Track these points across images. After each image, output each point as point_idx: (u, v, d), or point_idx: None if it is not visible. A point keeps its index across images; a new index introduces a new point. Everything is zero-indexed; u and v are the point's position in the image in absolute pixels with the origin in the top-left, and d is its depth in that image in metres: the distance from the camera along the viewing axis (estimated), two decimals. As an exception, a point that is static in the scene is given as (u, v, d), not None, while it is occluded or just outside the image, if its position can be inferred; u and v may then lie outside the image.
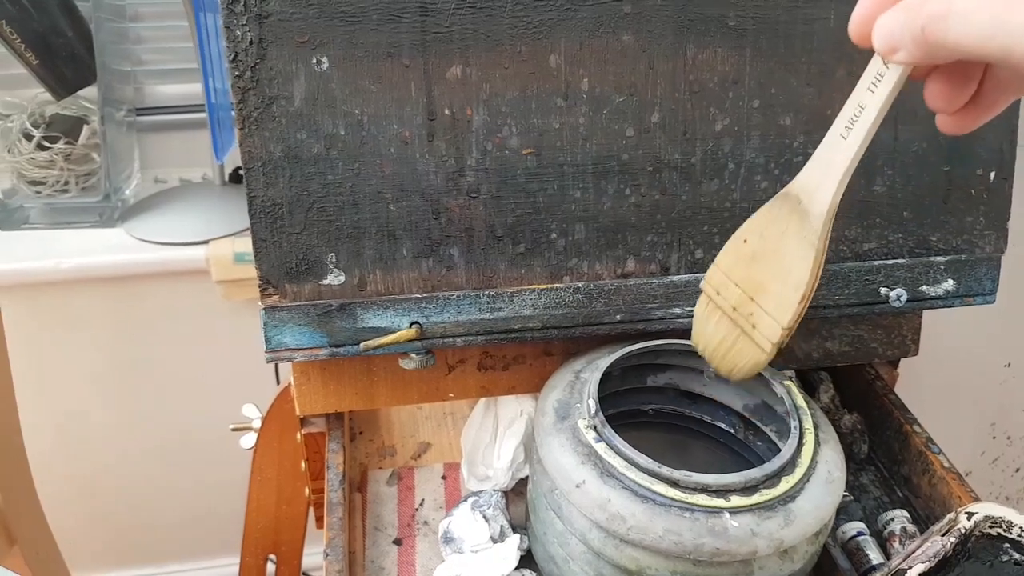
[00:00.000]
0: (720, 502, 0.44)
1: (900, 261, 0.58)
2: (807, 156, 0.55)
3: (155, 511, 1.18)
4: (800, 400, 0.51)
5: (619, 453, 0.46)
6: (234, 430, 0.71)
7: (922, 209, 0.59)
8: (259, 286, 0.51)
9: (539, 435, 0.49)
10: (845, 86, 0.56)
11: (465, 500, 0.57)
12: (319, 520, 0.66)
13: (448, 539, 0.55)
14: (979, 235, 0.60)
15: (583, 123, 0.52)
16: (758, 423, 0.55)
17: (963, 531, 0.47)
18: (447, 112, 0.50)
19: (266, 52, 0.47)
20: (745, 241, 0.44)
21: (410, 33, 0.49)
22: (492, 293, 0.53)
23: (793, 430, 0.48)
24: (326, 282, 0.52)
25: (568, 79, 0.51)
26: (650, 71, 0.52)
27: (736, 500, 0.44)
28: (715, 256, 0.56)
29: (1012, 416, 1.33)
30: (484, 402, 0.63)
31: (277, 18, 0.47)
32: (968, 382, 1.28)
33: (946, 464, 0.59)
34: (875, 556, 0.54)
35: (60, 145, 0.97)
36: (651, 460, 0.45)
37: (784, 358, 0.63)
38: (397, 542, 0.58)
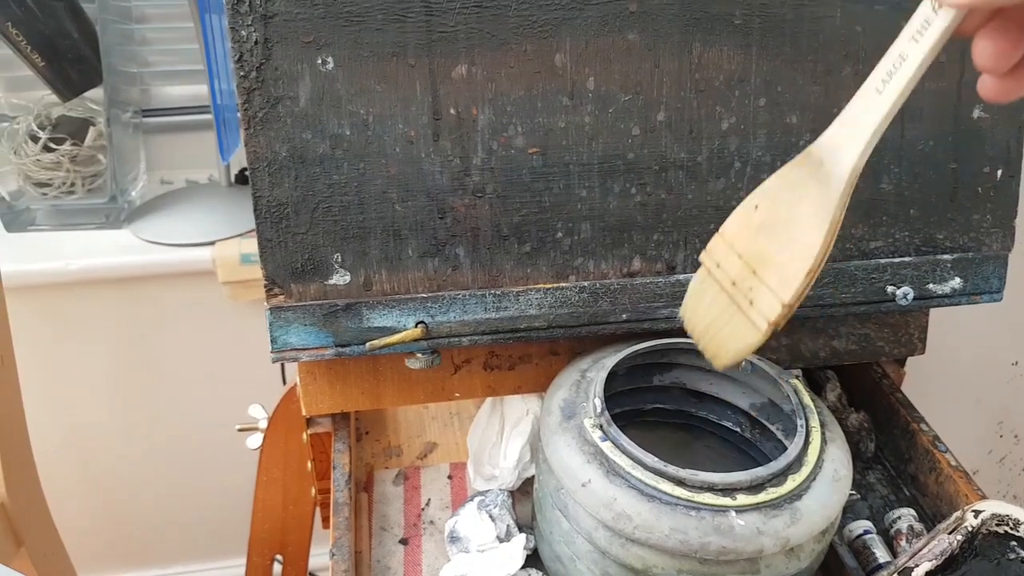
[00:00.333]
0: (726, 501, 0.44)
1: (907, 259, 0.58)
2: (813, 154, 0.56)
3: (162, 512, 1.18)
4: (807, 398, 0.51)
5: (625, 452, 0.46)
6: (240, 430, 0.71)
7: (929, 207, 0.58)
8: (265, 286, 0.51)
9: (545, 434, 0.49)
10: (852, 84, 0.56)
11: (471, 500, 0.57)
12: (325, 520, 0.66)
13: (454, 539, 0.55)
14: (986, 233, 0.59)
15: (589, 122, 0.52)
16: (764, 422, 0.55)
17: (970, 529, 0.47)
18: (452, 112, 0.50)
19: (271, 52, 0.47)
20: (756, 207, 0.41)
21: (415, 33, 0.49)
22: (498, 292, 0.53)
23: (799, 428, 0.48)
24: (332, 282, 0.52)
25: (574, 78, 0.51)
26: (656, 70, 0.52)
27: (742, 499, 0.44)
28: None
29: (1019, 415, 1.33)
30: (490, 402, 0.63)
31: (282, 18, 0.47)
32: (975, 381, 1.27)
33: (953, 462, 0.58)
34: (882, 554, 0.54)
35: (66, 147, 0.98)
36: (657, 459, 0.45)
37: (790, 357, 0.63)
38: (403, 542, 0.59)
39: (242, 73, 0.48)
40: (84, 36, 0.94)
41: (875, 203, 0.57)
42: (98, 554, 1.18)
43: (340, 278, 0.52)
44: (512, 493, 0.59)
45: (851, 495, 0.61)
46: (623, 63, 0.52)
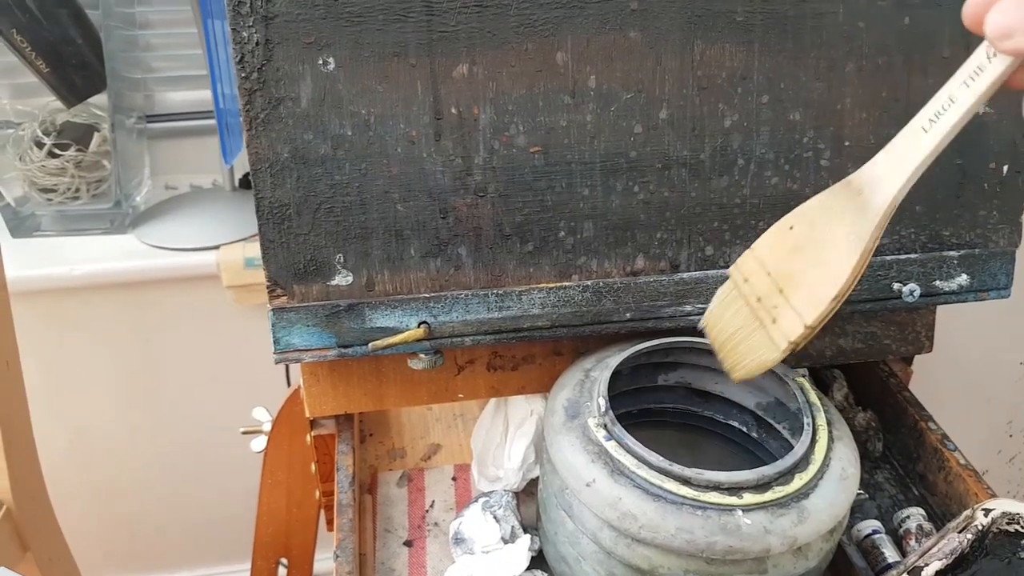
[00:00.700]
0: (733, 500, 0.43)
1: (913, 256, 0.58)
2: (817, 151, 0.55)
3: (166, 516, 1.18)
4: (813, 396, 0.50)
5: (630, 451, 0.45)
6: (244, 433, 0.71)
7: (935, 203, 0.58)
8: (267, 287, 0.51)
9: (549, 434, 0.49)
10: (854, 80, 0.56)
11: (476, 501, 0.57)
12: (330, 523, 0.66)
13: (459, 540, 0.55)
14: (993, 229, 0.59)
15: (591, 120, 0.52)
16: (771, 421, 0.54)
17: (980, 528, 0.46)
18: (454, 111, 0.50)
19: (272, 53, 0.47)
20: (791, 228, 0.42)
21: (416, 32, 0.49)
22: (500, 292, 0.53)
23: (806, 427, 0.47)
24: (334, 282, 0.52)
25: (575, 76, 0.51)
26: (658, 67, 0.52)
27: (749, 497, 0.43)
28: (725, 253, 0.56)
29: (1029, 415, 1.32)
30: (494, 403, 0.63)
31: (283, 19, 0.47)
32: (983, 379, 1.27)
33: (962, 461, 0.58)
34: (891, 554, 0.54)
35: (71, 152, 0.98)
36: (662, 458, 0.44)
37: (797, 356, 0.62)
38: (408, 543, 0.58)
39: (243, 74, 0.47)
40: (88, 42, 0.94)
41: (880, 200, 0.57)
42: (103, 558, 1.18)
43: (342, 279, 0.52)
44: (516, 494, 0.59)
45: (859, 495, 0.60)
46: (624, 61, 0.51)
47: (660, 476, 0.44)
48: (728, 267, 0.56)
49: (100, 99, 0.98)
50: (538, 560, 0.53)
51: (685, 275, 0.55)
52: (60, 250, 0.97)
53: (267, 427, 0.71)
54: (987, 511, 0.47)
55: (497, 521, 0.55)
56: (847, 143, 0.56)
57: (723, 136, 0.54)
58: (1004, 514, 0.47)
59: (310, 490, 0.73)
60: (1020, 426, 1.33)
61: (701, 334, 0.51)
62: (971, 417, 1.28)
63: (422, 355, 0.54)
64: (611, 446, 0.46)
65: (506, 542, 0.54)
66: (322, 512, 0.69)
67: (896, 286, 0.58)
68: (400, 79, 0.49)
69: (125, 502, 1.16)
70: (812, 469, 0.45)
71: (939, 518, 0.59)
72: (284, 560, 0.81)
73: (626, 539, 0.44)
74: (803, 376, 0.53)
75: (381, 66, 0.49)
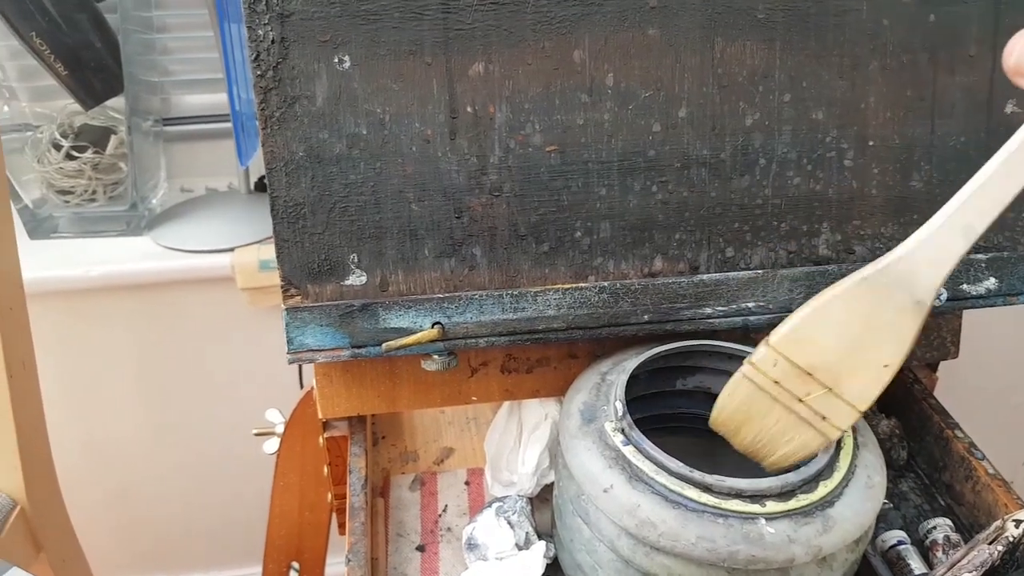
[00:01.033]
0: (755, 508, 0.42)
1: (939, 259, 0.56)
2: (840, 151, 0.54)
3: (179, 517, 1.18)
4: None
5: (648, 457, 0.44)
6: (257, 435, 0.71)
7: (961, 206, 0.56)
8: (281, 286, 0.51)
9: (565, 438, 0.48)
10: (878, 79, 0.54)
11: (489, 506, 0.56)
12: (342, 526, 0.65)
13: (472, 546, 0.54)
14: (1021, 232, 0.57)
15: (608, 119, 0.51)
16: (792, 427, 0.53)
17: (1011, 539, 0.45)
18: (469, 110, 0.50)
19: (288, 51, 0.47)
20: (839, 323, 0.41)
21: (432, 30, 0.48)
22: (515, 293, 0.52)
23: (829, 433, 0.46)
24: (348, 282, 0.51)
25: (592, 74, 0.50)
26: (677, 65, 0.51)
27: (772, 506, 0.42)
28: (746, 254, 0.55)
29: (1056, 424, 1.29)
30: (507, 406, 0.62)
31: (299, 17, 0.47)
32: (1011, 386, 1.24)
33: (991, 470, 0.56)
34: (917, 566, 0.52)
35: (88, 155, 0.98)
36: (682, 464, 0.43)
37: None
38: (420, 548, 0.57)
39: (259, 72, 0.47)
40: (106, 46, 0.95)
41: (905, 201, 0.56)
42: (115, 559, 1.18)
43: (356, 278, 0.51)
44: (531, 500, 0.58)
45: (883, 504, 0.59)
46: (643, 59, 0.50)
47: (680, 483, 0.43)
48: (749, 268, 0.55)
49: (117, 102, 0.99)
50: (553, 568, 0.52)
51: (705, 277, 0.54)
52: (77, 252, 0.98)
53: (280, 429, 0.71)
54: (1018, 522, 0.46)
55: (511, 527, 0.54)
56: (871, 143, 0.54)
57: (744, 135, 0.53)
58: (1036, 525, 0.45)
59: (322, 493, 0.72)
60: (1047, 435, 1.30)
61: (719, 337, 0.50)
62: (998, 424, 1.26)
63: (436, 356, 0.53)
64: (629, 451, 0.45)
65: (520, 548, 0.53)
66: (334, 515, 0.69)
67: (921, 290, 0.56)
68: (416, 77, 0.49)
69: (138, 503, 1.16)
70: (837, 477, 0.44)
71: (966, 529, 0.57)
72: (295, 564, 0.80)
73: (645, 547, 0.43)
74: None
75: (397, 64, 0.48)
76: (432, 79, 0.49)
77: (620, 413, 0.46)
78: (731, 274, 0.54)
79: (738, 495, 0.43)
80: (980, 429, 0.65)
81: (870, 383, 0.40)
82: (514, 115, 0.50)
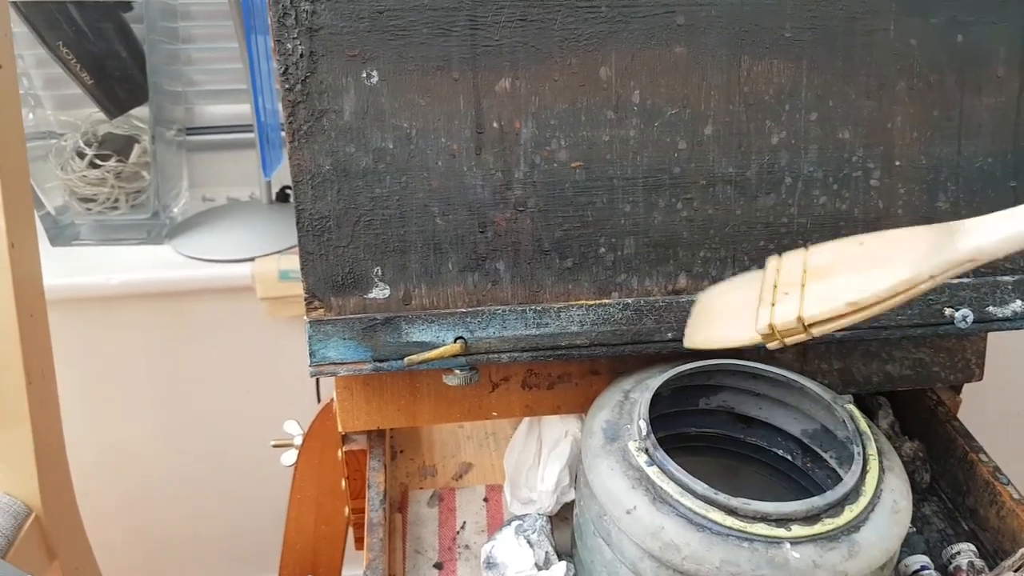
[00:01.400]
0: (781, 532, 0.42)
1: (965, 280, 0.56)
2: (867, 170, 0.54)
3: (194, 527, 1.18)
4: (863, 425, 0.48)
5: (672, 478, 0.44)
6: (275, 446, 0.71)
7: (988, 227, 0.56)
8: (305, 299, 0.51)
9: (587, 457, 0.48)
10: (905, 99, 0.54)
11: (508, 524, 0.56)
12: (358, 541, 0.65)
13: (491, 564, 0.54)
14: (1050, 254, 0.57)
15: (634, 136, 0.51)
16: (818, 449, 0.53)
17: None
18: (495, 125, 0.50)
19: (316, 65, 0.47)
20: (862, 243, 0.38)
21: (460, 47, 0.48)
22: (538, 308, 0.52)
23: (856, 456, 0.45)
24: (371, 296, 0.51)
25: (619, 91, 0.50)
26: (703, 83, 0.51)
27: (797, 530, 0.42)
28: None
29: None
30: (527, 422, 0.62)
31: (328, 32, 0.47)
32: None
33: (1016, 495, 0.55)
34: (942, 592, 0.51)
35: (111, 163, 0.99)
36: (707, 486, 0.43)
37: (842, 382, 0.60)
38: (438, 566, 0.57)
39: (287, 86, 0.47)
40: (132, 56, 0.96)
41: (931, 221, 0.55)
42: (129, 569, 1.18)
43: (380, 292, 0.51)
44: (550, 518, 0.57)
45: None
46: (669, 76, 0.50)
47: (705, 505, 0.42)
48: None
49: (141, 111, 1.00)
50: (572, 586, 0.52)
51: (728, 296, 0.54)
52: (98, 259, 0.98)
53: (298, 441, 0.71)
54: (1046, 549, 0.45)
55: (531, 546, 0.53)
56: (897, 163, 0.54)
57: (770, 153, 0.52)
58: (1066, 553, 0.44)
59: (339, 506, 0.72)
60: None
61: (744, 356, 0.50)
62: (1022, 450, 1.24)
63: (457, 371, 0.53)
64: (653, 472, 0.44)
65: (540, 568, 0.53)
66: (350, 529, 0.68)
67: (948, 311, 0.56)
68: (443, 93, 0.49)
69: (152, 513, 1.16)
70: (863, 501, 0.44)
71: (990, 555, 0.56)
72: (311, 576, 0.80)
73: (668, 570, 0.42)
74: (850, 403, 0.51)
75: (424, 80, 0.48)
76: (459, 94, 0.49)
77: (644, 432, 0.46)
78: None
79: (764, 519, 0.42)
80: (1005, 454, 0.64)
81: (835, 295, 0.35)
82: (540, 131, 0.50)
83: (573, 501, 0.54)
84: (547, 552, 0.53)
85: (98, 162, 0.99)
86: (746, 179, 0.53)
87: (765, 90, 0.52)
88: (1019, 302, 0.57)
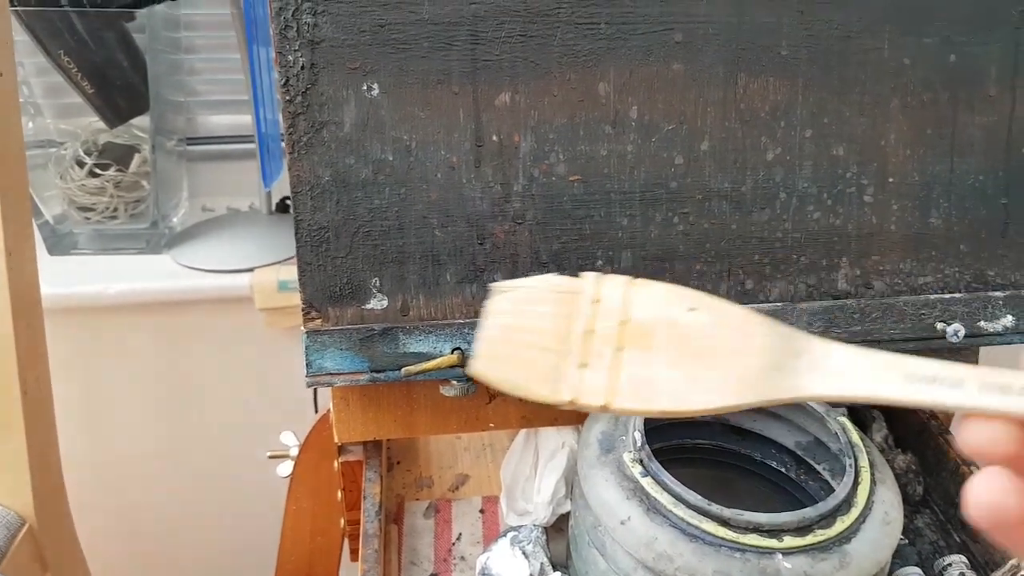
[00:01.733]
0: (772, 542, 0.42)
1: (957, 295, 0.57)
2: (861, 187, 0.55)
3: (190, 539, 1.18)
4: (855, 437, 0.49)
5: (666, 489, 0.44)
6: (271, 458, 0.71)
7: (979, 243, 0.57)
8: (302, 310, 0.51)
9: (582, 468, 0.48)
10: (899, 117, 0.55)
11: (504, 535, 0.56)
12: (354, 552, 0.65)
13: None
14: (1041, 271, 0.58)
15: (631, 150, 0.52)
16: (811, 461, 0.53)
17: (1031, 581, 0.45)
18: (495, 138, 0.50)
19: (317, 78, 0.48)
20: (693, 309, 0.30)
21: (460, 61, 0.49)
22: (536, 321, 0.52)
23: (848, 468, 0.46)
24: (369, 306, 0.52)
25: (617, 107, 0.51)
26: (700, 99, 0.52)
27: (789, 540, 0.42)
28: (765, 287, 0.55)
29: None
30: (524, 434, 0.62)
31: (329, 44, 0.48)
32: None
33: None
34: (934, 606, 0.52)
35: (111, 172, 1.00)
36: (700, 497, 0.43)
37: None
38: None
39: (288, 98, 0.48)
40: (133, 65, 0.96)
41: (924, 238, 0.56)
42: (124, 580, 1.17)
43: (378, 303, 0.52)
44: (546, 529, 0.57)
45: (899, 540, 0.58)
46: (667, 92, 0.51)
47: (698, 516, 0.43)
48: (768, 301, 0.55)
49: (142, 120, 1.00)
50: (567, 597, 0.52)
51: (723, 309, 0.54)
52: (96, 268, 0.99)
53: (294, 452, 0.71)
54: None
55: (526, 557, 0.54)
56: (891, 179, 0.55)
57: (765, 169, 0.53)
58: (1057, 567, 0.45)
59: (335, 518, 0.72)
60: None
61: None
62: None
63: (455, 382, 0.53)
64: (647, 482, 0.45)
65: (534, 577, 0.53)
66: (346, 541, 0.68)
67: (940, 326, 0.56)
68: (443, 106, 0.49)
69: (149, 524, 1.16)
70: (854, 513, 0.44)
71: (981, 567, 0.57)
72: (305, 587, 0.80)
73: (661, 579, 0.43)
74: (844, 415, 0.52)
75: (424, 93, 0.49)
76: (459, 108, 0.50)
77: (639, 444, 0.46)
78: (750, 307, 0.55)
79: (756, 529, 0.42)
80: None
81: (652, 394, 0.29)
82: (539, 145, 0.51)
83: (569, 512, 0.54)
84: (542, 563, 0.53)
85: (97, 171, 1.00)
86: (741, 194, 0.53)
87: (761, 107, 0.52)
88: (1010, 317, 0.57)
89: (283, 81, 0.48)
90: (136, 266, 0.99)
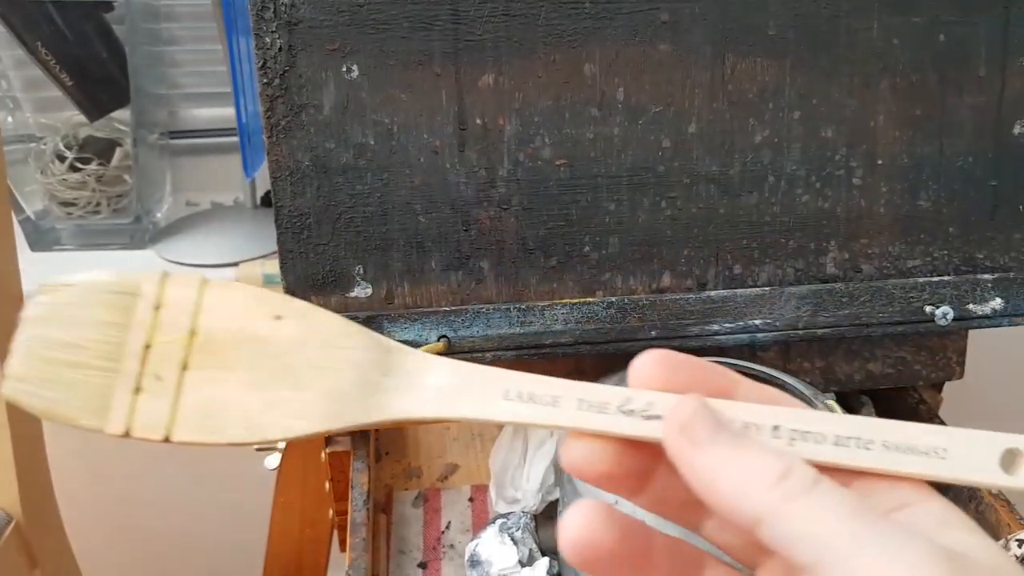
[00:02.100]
0: (764, 526, 0.41)
1: (946, 278, 0.56)
2: (849, 169, 0.54)
3: (179, 532, 1.17)
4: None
5: (656, 473, 0.44)
6: (259, 450, 0.70)
7: (968, 225, 0.56)
8: (285, 298, 0.50)
9: (571, 454, 0.47)
10: (888, 98, 0.55)
11: (493, 522, 0.55)
12: (343, 544, 0.64)
13: (475, 562, 0.53)
14: (1029, 252, 0.57)
15: (618, 133, 0.51)
16: (800, 446, 0.52)
17: (1015, 558, 0.44)
18: (479, 121, 0.49)
19: (295, 59, 0.47)
20: (279, 317, 0.26)
21: (442, 41, 0.48)
22: (523, 307, 0.52)
23: (839, 451, 0.45)
24: (353, 294, 0.51)
25: (603, 88, 0.50)
26: (687, 81, 0.51)
27: (781, 524, 0.41)
28: (754, 272, 0.55)
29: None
30: (513, 423, 0.61)
31: (307, 25, 0.47)
32: (1015, 407, 1.23)
33: (994, 491, 0.55)
34: (927, 589, 0.51)
35: (92, 166, 0.98)
36: (690, 480, 0.43)
37: (824, 381, 0.60)
38: (422, 565, 0.56)
39: (265, 80, 0.47)
40: (113, 57, 0.95)
41: (913, 220, 0.56)
42: (113, 575, 1.17)
43: (361, 290, 0.51)
44: (535, 516, 0.57)
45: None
46: (654, 74, 0.50)
47: (687, 499, 0.42)
48: (757, 285, 0.55)
49: (123, 114, 0.99)
50: (557, 586, 0.52)
51: (712, 293, 0.54)
52: (79, 264, 0.97)
53: (282, 444, 0.70)
54: (1021, 542, 0.45)
55: (515, 543, 0.53)
56: (880, 161, 0.54)
57: (753, 152, 0.53)
58: (1047, 548, 0.44)
59: (323, 510, 0.71)
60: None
61: (730, 355, 0.50)
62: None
63: (441, 371, 0.53)
64: (636, 467, 0.44)
65: (523, 565, 0.52)
66: (335, 533, 0.68)
67: (929, 308, 0.56)
68: (424, 88, 0.48)
69: (137, 517, 1.15)
70: (846, 495, 0.43)
71: (975, 552, 0.57)
72: (294, 582, 0.79)
73: (651, 565, 0.42)
74: (832, 399, 0.51)
75: (405, 74, 0.48)
76: (441, 90, 0.49)
77: (627, 429, 0.46)
78: (738, 291, 0.54)
79: (747, 513, 0.42)
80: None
81: (226, 423, 0.25)
82: (524, 128, 0.50)
83: (558, 499, 0.54)
84: (531, 549, 0.53)
85: (79, 165, 0.98)
86: (729, 177, 0.53)
87: (749, 88, 0.52)
88: (999, 300, 0.57)
89: (261, 64, 0.47)
90: (120, 262, 0.98)
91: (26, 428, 0.77)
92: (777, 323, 0.55)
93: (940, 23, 0.53)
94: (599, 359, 0.57)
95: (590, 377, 0.57)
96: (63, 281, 0.27)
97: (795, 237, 0.55)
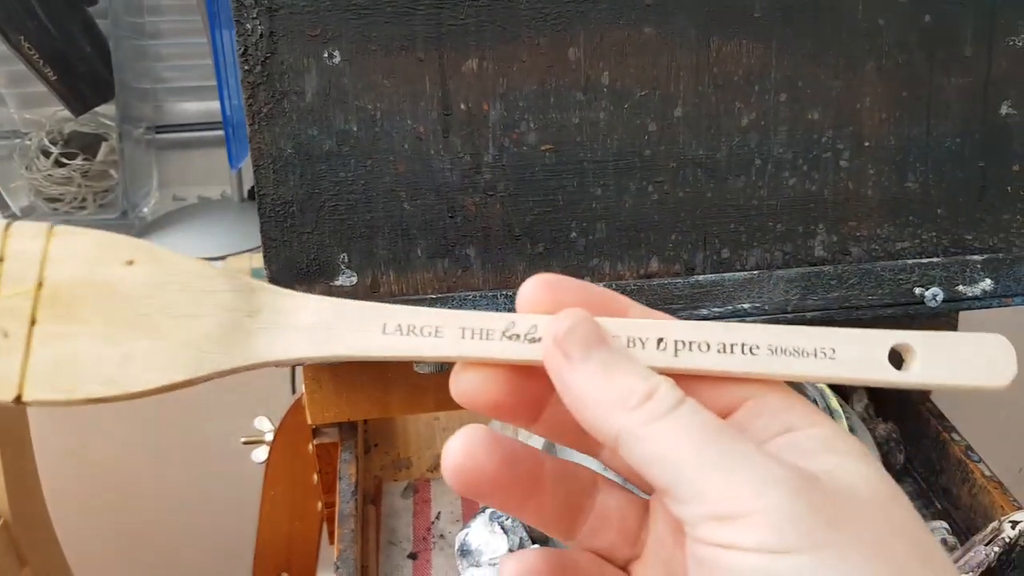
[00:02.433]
0: (753, 508, 0.41)
1: (935, 260, 0.56)
2: (836, 151, 0.54)
3: (167, 528, 1.16)
4: (835, 403, 0.48)
5: (644, 458, 0.43)
6: (246, 443, 0.69)
7: (957, 206, 0.56)
8: (270, 287, 0.50)
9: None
10: (874, 79, 0.54)
11: (483, 511, 0.55)
12: (332, 535, 0.64)
13: (465, 552, 0.53)
14: (1016, 233, 0.57)
15: (604, 118, 0.51)
16: (790, 429, 0.52)
17: (1007, 540, 0.44)
18: (463, 107, 0.49)
19: (276, 46, 0.46)
20: (131, 262, 0.25)
21: (424, 25, 0.47)
22: (510, 294, 0.51)
23: (829, 434, 0.45)
24: (338, 283, 0.50)
25: (588, 73, 0.50)
26: (672, 64, 0.50)
27: (770, 506, 0.41)
28: (742, 256, 0.54)
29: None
30: (502, 411, 0.61)
31: (288, 11, 0.46)
32: (1007, 390, 1.24)
33: (987, 473, 0.56)
34: (918, 571, 0.51)
35: (78, 162, 0.97)
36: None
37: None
38: (412, 556, 0.56)
39: (247, 67, 0.46)
40: (97, 51, 0.94)
41: (901, 202, 0.55)
42: (102, 572, 1.16)
43: (346, 279, 0.50)
44: (526, 506, 0.57)
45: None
46: (639, 57, 0.50)
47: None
48: (745, 269, 0.54)
49: (108, 108, 0.98)
50: (548, 574, 0.51)
51: (700, 278, 0.53)
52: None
53: (269, 437, 0.69)
54: (1015, 523, 0.45)
55: (505, 532, 0.53)
56: (867, 143, 0.54)
57: (740, 135, 0.52)
58: (1037, 527, 0.44)
59: (312, 502, 0.71)
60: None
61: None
62: (996, 428, 1.25)
63: (428, 359, 0.52)
64: (625, 452, 0.44)
65: (514, 555, 0.52)
66: (324, 525, 0.67)
67: (918, 291, 0.56)
68: (408, 73, 0.48)
69: (124, 513, 1.14)
70: (836, 477, 0.43)
71: (963, 532, 0.57)
72: (285, 575, 0.79)
73: (641, 549, 0.42)
74: (823, 384, 0.51)
75: (388, 60, 0.48)
76: (424, 75, 0.48)
77: (616, 414, 0.46)
78: (727, 275, 0.54)
79: (737, 496, 0.42)
80: (978, 434, 0.64)
81: (74, 379, 0.24)
82: (508, 113, 0.49)
83: (548, 488, 0.54)
84: (521, 538, 0.53)
85: (64, 160, 0.97)
86: (716, 161, 0.52)
87: (735, 71, 0.51)
88: (988, 281, 0.57)
89: (242, 51, 0.46)
90: (106, 256, 0.97)
91: (13, 427, 0.77)
92: (766, 307, 0.54)
93: (925, 3, 0.53)
94: (588, 346, 0.56)
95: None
96: None
97: (783, 220, 0.54)
